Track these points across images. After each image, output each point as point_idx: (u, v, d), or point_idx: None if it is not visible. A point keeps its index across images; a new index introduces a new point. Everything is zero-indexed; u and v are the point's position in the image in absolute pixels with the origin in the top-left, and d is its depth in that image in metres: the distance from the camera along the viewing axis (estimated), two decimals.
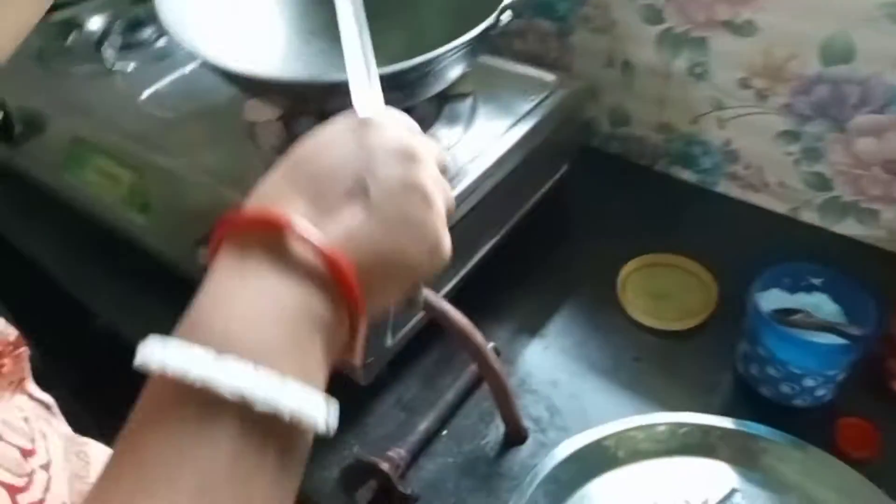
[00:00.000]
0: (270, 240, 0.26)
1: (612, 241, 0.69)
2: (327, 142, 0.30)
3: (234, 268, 0.26)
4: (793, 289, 0.55)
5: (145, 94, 0.70)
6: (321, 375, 0.27)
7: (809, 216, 0.69)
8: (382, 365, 0.54)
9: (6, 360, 0.41)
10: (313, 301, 0.26)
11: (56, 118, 0.71)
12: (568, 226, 0.73)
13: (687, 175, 0.76)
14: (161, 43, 0.79)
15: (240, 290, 0.25)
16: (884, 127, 0.60)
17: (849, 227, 0.67)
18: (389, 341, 0.54)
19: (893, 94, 0.58)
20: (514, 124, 0.62)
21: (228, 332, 0.24)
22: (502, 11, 0.53)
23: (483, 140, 0.60)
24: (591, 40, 0.75)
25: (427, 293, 0.48)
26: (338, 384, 0.28)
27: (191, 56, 0.59)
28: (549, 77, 0.67)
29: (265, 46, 0.63)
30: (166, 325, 0.25)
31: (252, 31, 0.63)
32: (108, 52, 0.76)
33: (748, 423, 0.50)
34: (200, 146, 0.61)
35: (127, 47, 0.79)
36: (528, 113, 0.63)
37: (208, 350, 0.23)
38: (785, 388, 0.51)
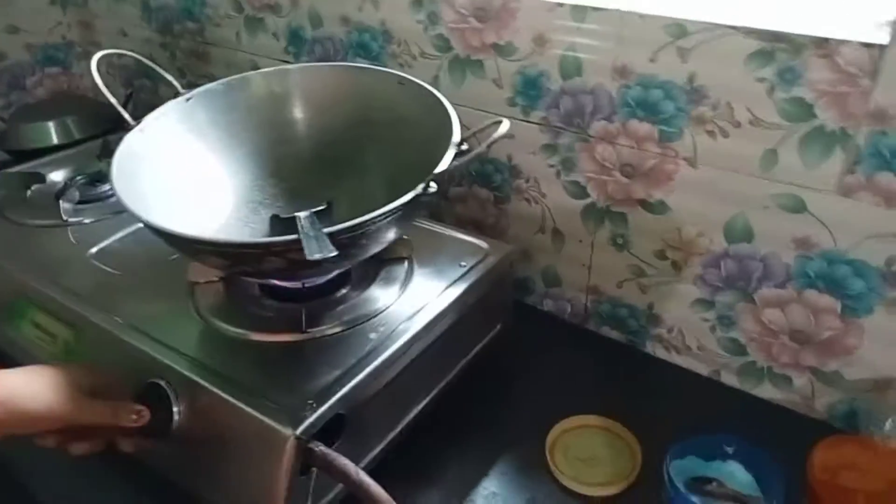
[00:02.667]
0: None
1: (544, 400, 0.71)
2: None
3: None
4: (708, 457, 0.57)
5: (94, 248, 0.72)
6: None
7: (729, 379, 0.73)
8: None
9: None
10: None
11: (2, 268, 0.72)
12: (501, 385, 0.74)
13: (616, 335, 0.80)
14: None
15: None
16: (785, 300, 0.65)
17: (766, 391, 0.71)
18: None
19: (790, 272, 0.64)
20: (447, 288, 0.65)
21: None
22: (428, 183, 0.56)
23: (417, 302, 0.63)
24: (524, 208, 0.81)
25: (345, 462, 0.49)
26: None
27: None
28: (482, 244, 0.72)
29: (212, 214, 0.67)
30: None
31: (202, 201, 0.67)
32: (65, 205, 0.80)
33: None
34: (140, 305, 0.63)
35: (85, 201, 0.82)
36: (461, 277, 0.67)
37: None
38: None
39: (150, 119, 0.66)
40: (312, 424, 0.50)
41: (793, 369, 0.68)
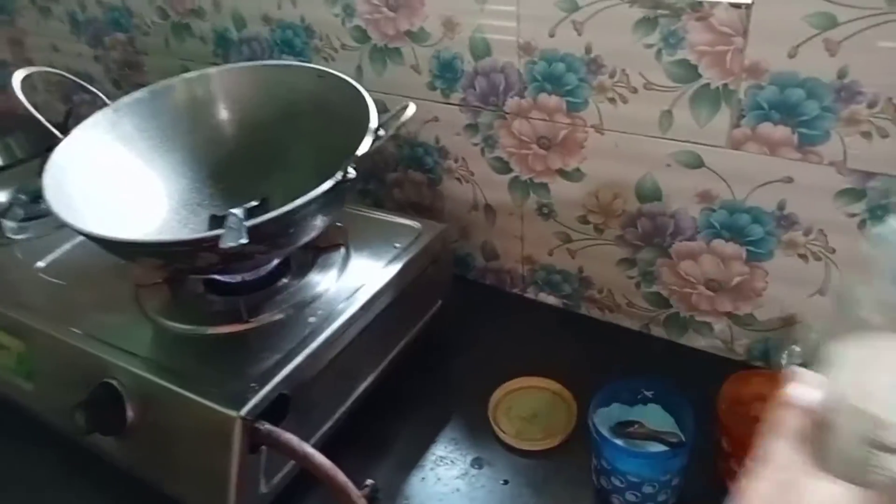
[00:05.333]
0: None
1: (488, 368, 0.74)
2: None
3: None
4: (631, 402, 0.61)
5: (41, 262, 0.74)
6: None
7: (658, 331, 0.78)
8: None
9: None
10: None
11: None
12: (447, 357, 0.78)
13: (553, 301, 0.84)
14: None
15: None
16: (697, 252, 0.70)
17: (691, 339, 0.76)
18: (264, 488, 0.56)
19: (697, 224, 0.68)
20: (382, 268, 0.69)
21: None
22: (346, 170, 0.59)
23: (354, 284, 0.67)
24: (457, 188, 0.84)
25: (289, 437, 0.53)
26: None
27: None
28: (416, 225, 0.75)
29: (150, 218, 0.70)
30: None
31: (139, 207, 0.69)
32: (9, 223, 0.81)
33: None
34: (88, 311, 0.65)
35: (29, 218, 0.84)
36: (395, 258, 0.70)
37: None
38: (630, 497, 0.56)
39: (77, 132, 0.68)
40: (256, 405, 0.53)
41: (711, 316, 0.73)
